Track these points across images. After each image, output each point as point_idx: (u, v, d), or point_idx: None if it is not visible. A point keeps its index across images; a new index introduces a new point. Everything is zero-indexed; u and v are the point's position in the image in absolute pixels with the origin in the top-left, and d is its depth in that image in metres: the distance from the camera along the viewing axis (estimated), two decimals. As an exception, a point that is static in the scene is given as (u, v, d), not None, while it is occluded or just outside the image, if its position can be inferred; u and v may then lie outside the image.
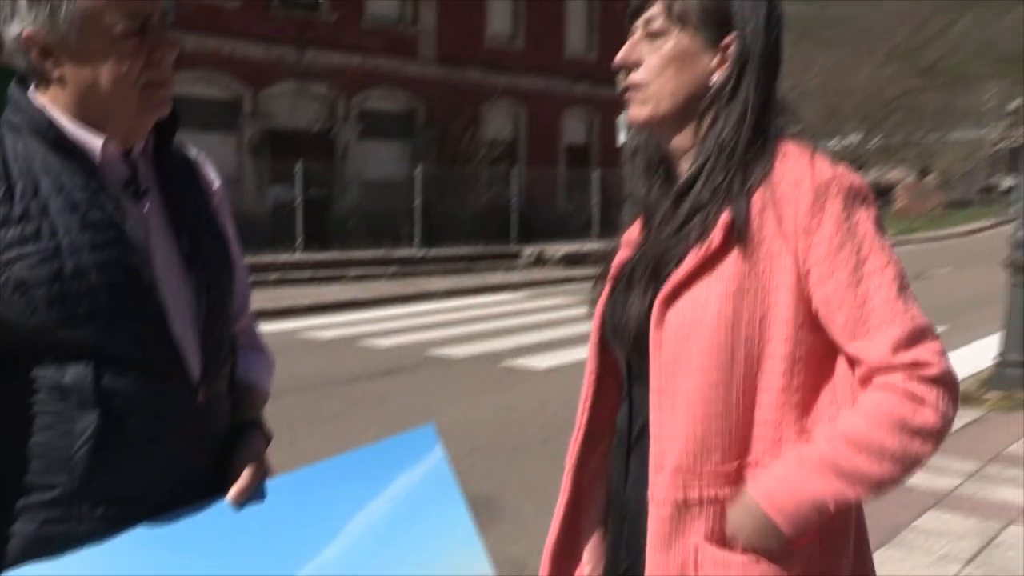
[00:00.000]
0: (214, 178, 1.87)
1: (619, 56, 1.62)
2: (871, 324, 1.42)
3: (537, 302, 16.55)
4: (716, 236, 1.48)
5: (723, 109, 1.55)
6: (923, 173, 59.00)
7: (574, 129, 30.49)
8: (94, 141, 1.59)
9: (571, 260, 22.81)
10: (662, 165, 1.69)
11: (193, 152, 1.85)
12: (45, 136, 1.57)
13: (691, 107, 1.58)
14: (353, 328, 13.19)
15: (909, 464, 1.41)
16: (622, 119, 22.88)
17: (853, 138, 52.78)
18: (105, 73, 1.55)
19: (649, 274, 1.56)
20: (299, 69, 22.90)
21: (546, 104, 29.04)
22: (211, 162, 1.90)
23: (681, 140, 1.61)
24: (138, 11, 1.55)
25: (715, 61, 1.56)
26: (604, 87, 29.33)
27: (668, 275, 1.52)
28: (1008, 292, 8.64)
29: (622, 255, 1.73)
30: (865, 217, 1.47)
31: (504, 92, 27.50)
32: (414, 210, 23.08)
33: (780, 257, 1.46)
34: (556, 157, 29.58)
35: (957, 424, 6.01)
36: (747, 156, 1.52)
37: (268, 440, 1.83)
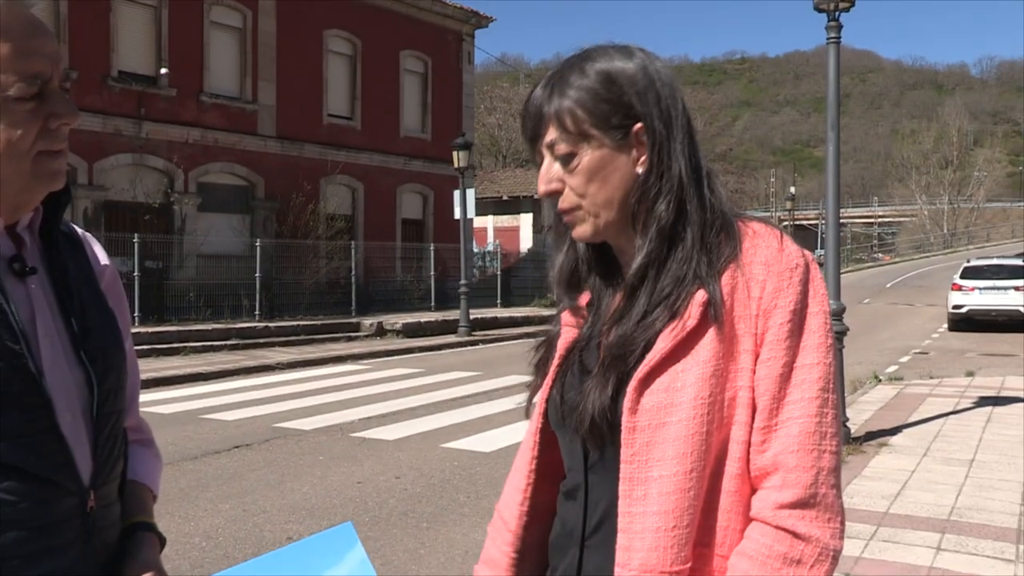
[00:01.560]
0: (102, 257, 1.68)
1: (541, 189, 1.55)
2: (779, 419, 1.39)
3: (380, 372, 16.57)
4: (693, 316, 1.41)
5: (659, 195, 1.48)
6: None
7: (410, 204, 30.94)
8: None
9: (411, 331, 23.21)
10: (600, 249, 1.62)
11: (79, 231, 1.67)
12: None
13: (631, 205, 1.51)
14: (196, 402, 12.87)
15: None
16: (457, 195, 23.55)
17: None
18: None
19: (611, 360, 1.46)
20: (137, 142, 22.67)
21: (383, 180, 29.48)
22: (98, 242, 1.72)
23: (630, 236, 1.53)
24: (36, 73, 1.38)
25: (634, 153, 1.49)
26: (437, 164, 30.41)
27: (635, 359, 1.44)
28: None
29: (567, 337, 1.63)
30: (818, 309, 1.44)
31: (342, 168, 27.83)
32: (254, 282, 22.99)
33: (744, 338, 1.42)
34: (393, 231, 29.94)
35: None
36: (711, 238, 1.47)
37: (163, 544, 1.65)
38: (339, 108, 28.34)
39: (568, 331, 1.63)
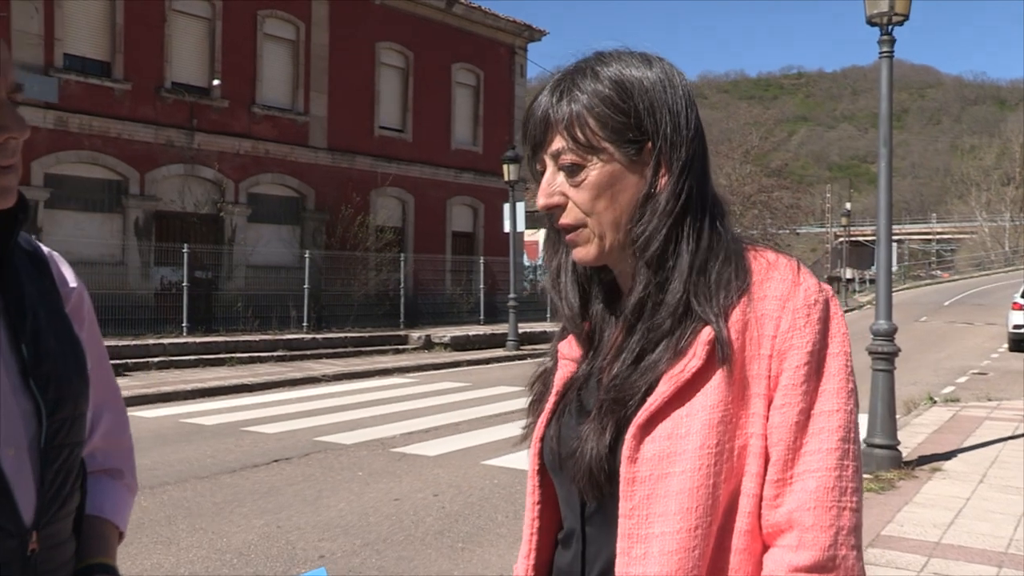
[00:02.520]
0: (70, 278, 1.55)
1: (541, 201, 1.38)
2: (795, 472, 1.26)
3: (426, 386, 16.51)
4: (698, 357, 1.27)
5: (659, 220, 1.33)
6: (779, 263, 63.22)
7: (460, 217, 31.01)
8: None
9: (459, 344, 23.21)
10: (600, 276, 1.48)
11: (45, 250, 1.55)
12: None
13: (631, 229, 1.37)
14: (239, 414, 12.86)
15: None
16: (507, 208, 23.48)
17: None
18: None
19: (608, 404, 1.32)
20: (188, 152, 22.90)
21: (433, 193, 29.56)
22: (67, 263, 1.60)
23: (634, 261, 1.38)
24: None
25: (647, 171, 1.35)
26: (488, 177, 30.49)
27: (636, 403, 1.30)
28: (871, 377, 9.02)
29: (565, 372, 1.48)
30: (839, 350, 1.30)
31: (393, 180, 27.93)
32: (303, 294, 23.07)
33: (756, 380, 1.28)
34: (443, 244, 30.02)
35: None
36: (716, 270, 1.32)
37: None
38: (390, 120, 28.48)
39: (566, 365, 1.49)
